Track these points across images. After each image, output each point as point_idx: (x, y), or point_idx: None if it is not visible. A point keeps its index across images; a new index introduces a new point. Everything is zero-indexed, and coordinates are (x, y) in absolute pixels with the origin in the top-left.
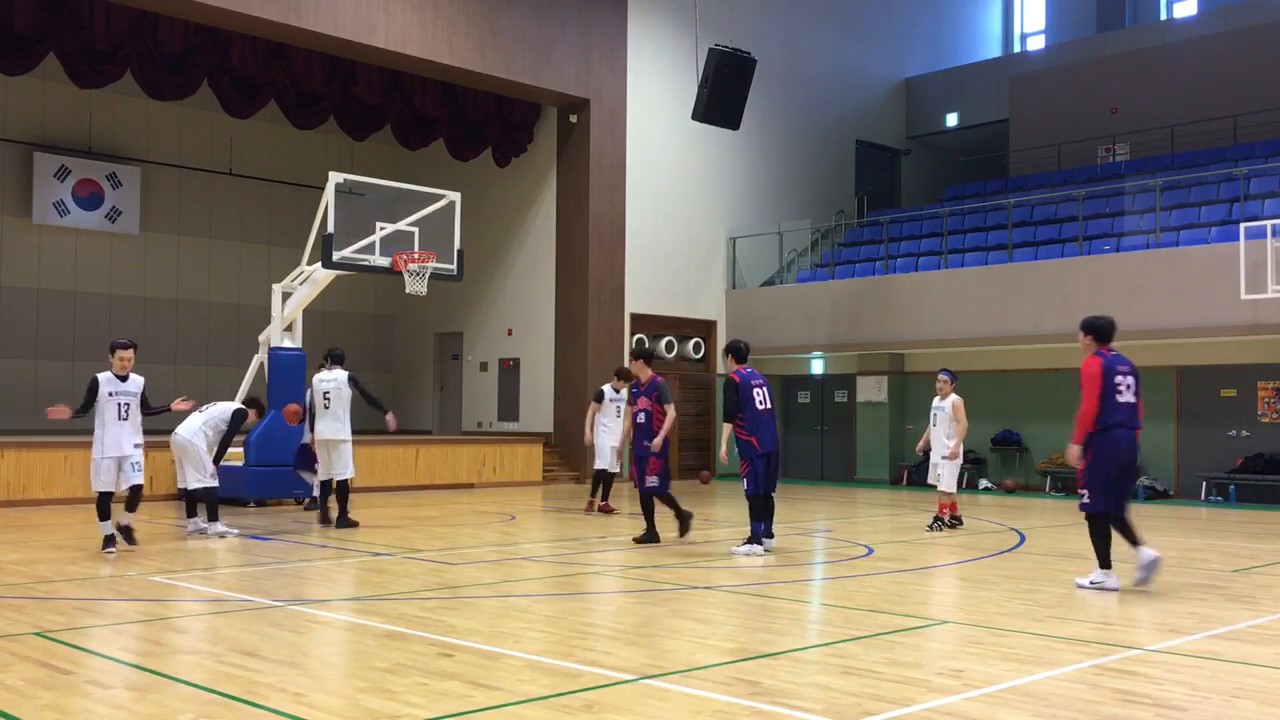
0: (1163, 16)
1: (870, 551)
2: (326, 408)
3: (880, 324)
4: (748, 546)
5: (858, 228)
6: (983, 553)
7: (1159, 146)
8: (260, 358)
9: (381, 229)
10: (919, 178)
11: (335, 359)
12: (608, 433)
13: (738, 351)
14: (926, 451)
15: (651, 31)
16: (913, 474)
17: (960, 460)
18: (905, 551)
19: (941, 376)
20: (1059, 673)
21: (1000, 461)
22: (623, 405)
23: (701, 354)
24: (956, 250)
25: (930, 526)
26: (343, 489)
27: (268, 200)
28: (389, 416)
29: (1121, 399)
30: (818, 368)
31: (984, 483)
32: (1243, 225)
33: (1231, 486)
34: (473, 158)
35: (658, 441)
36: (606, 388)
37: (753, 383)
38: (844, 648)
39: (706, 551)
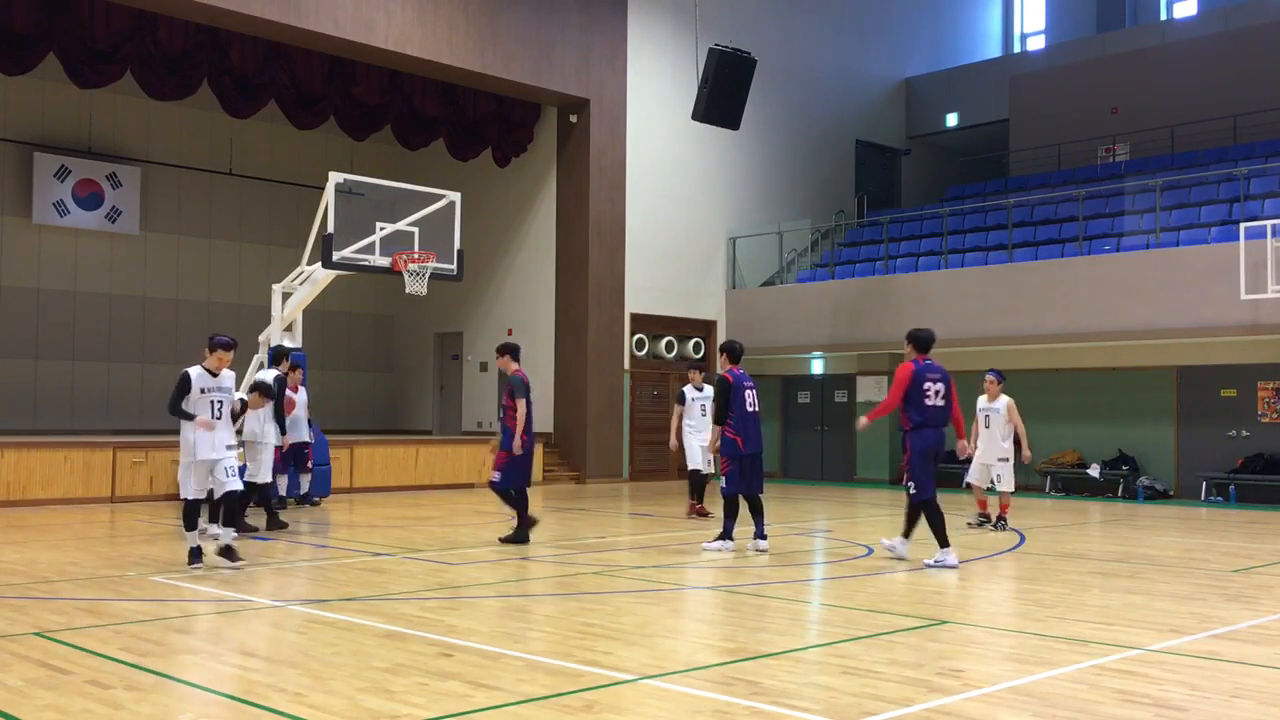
0: (1163, 16)
1: (870, 551)
2: None
3: (880, 324)
4: (719, 543)
5: (858, 228)
6: (983, 553)
7: (1159, 146)
8: (260, 358)
9: (381, 229)
10: (919, 178)
11: (270, 358)
12: (695, 433)
13: (733, 351)
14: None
15: (651, 31)
16: None
17: (1014, 461)
18: (905, 551)
19: (989, 377)
20: (1059, 673)
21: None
22: (707, 403)
23: (701, 354)
24: (956, 250)
25: (996, 526)
26: (248, 491)
27: (268, 200)
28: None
29: (930, 402)
30: (818, 368)
31: None
32: (1243, 225)
33: (1231, 486)
34: (473, 158)
35: (516, 443)
36: (687, 388)
37: (745, 384)
38: (844, 648)
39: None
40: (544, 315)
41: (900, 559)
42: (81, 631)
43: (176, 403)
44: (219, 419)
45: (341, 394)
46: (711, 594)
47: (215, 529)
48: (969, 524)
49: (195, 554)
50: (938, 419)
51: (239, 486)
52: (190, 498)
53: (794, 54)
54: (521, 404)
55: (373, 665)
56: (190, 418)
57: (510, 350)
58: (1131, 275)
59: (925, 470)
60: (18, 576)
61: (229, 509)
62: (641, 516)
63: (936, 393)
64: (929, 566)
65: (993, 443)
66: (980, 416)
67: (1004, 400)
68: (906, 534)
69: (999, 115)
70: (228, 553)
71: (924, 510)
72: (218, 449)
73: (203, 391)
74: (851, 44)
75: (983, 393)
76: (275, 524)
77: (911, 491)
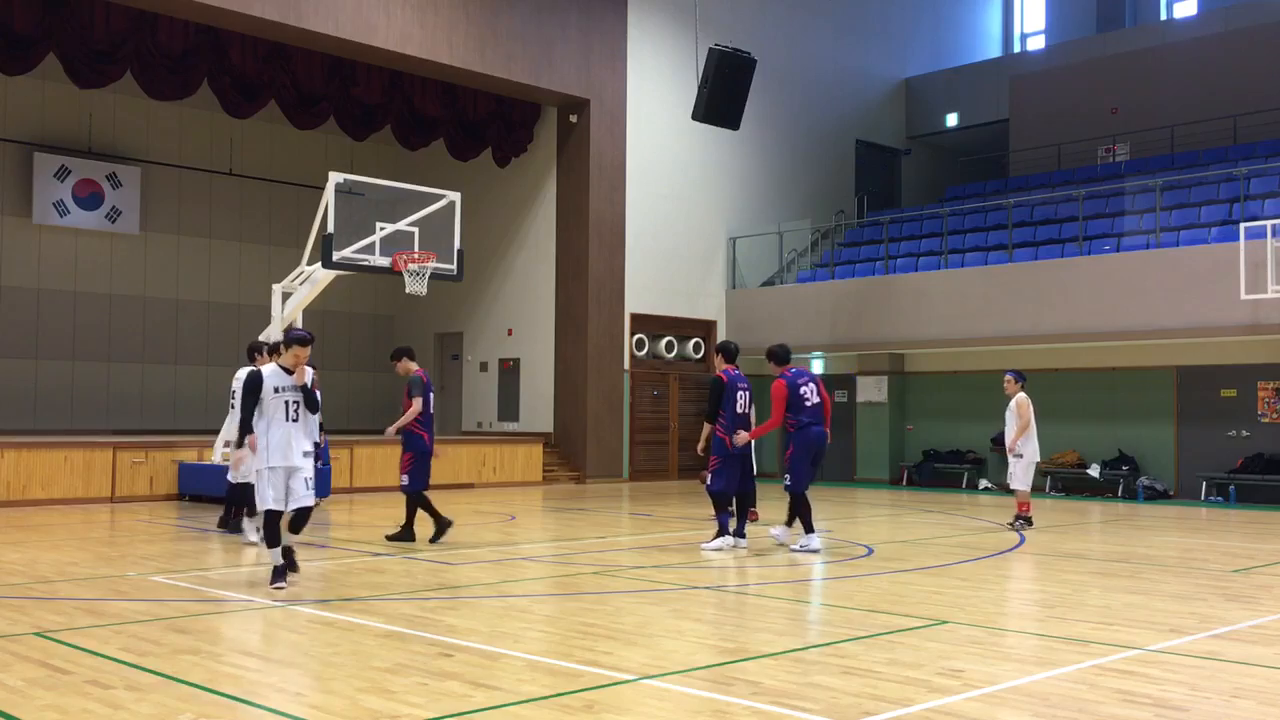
0: (1163, 16)
1: (870, 551)
2: (233, 406)
3: (880, 324)
4: (717, 541)
5: (858, 228)
6: (983, 553)
7: (1159, 146)
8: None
9: (381, 229)
10: (919, 178)
11: (247, 354)
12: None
13: (727, 351)
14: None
15: (651, 31)
16: (913, 474)
17: (1028, 459)
18: (905, 551)
19: (1006, 376)
20: (1059, 673)
21: (1000, 461)
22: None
23: (701, 354)
24: (956, 250)
25: (1012, 524)
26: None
27: (268, 200)
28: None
29: (809, 403)
30: (818, 368)
31: (984, 483)
32: (1243, 225)
33: (1231, 486)
34: (473, 158)
35: (390, 431)
36: None
37: (738, 385)
38: (844, 648)
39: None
40: (544, 315)
41: (814, 550)
42: (81, 631)
43: (250, 407)
44: (294, 421)
45: (341, 394)
46: (711, 594)
47: (256, 536)
48: (1010, 524)
49: (279, 573)
50: (819, 415)
51: (313, 502)
52: (270, 508)
53: (794, 54)
54: (417, 401)
55: (373, 665)
56: (249, 431)
57: (406, 353)
58: (1131, 275)
59: (804, 465)
60: (18, 576)
61: (299, 523)
62: (641, 516)
63: (812, 392)
64: (795, 551)
65: (1009, 440)
66: (1005, 417)
67: (1017, 397)
68: (789, 522)
69: (999, 115)
70: (291, 566)
71: (796, 500)
72: (293, 455)
73: (276, 391)
74: (851, 44)
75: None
76: (230, 525)
77: (787, 483)
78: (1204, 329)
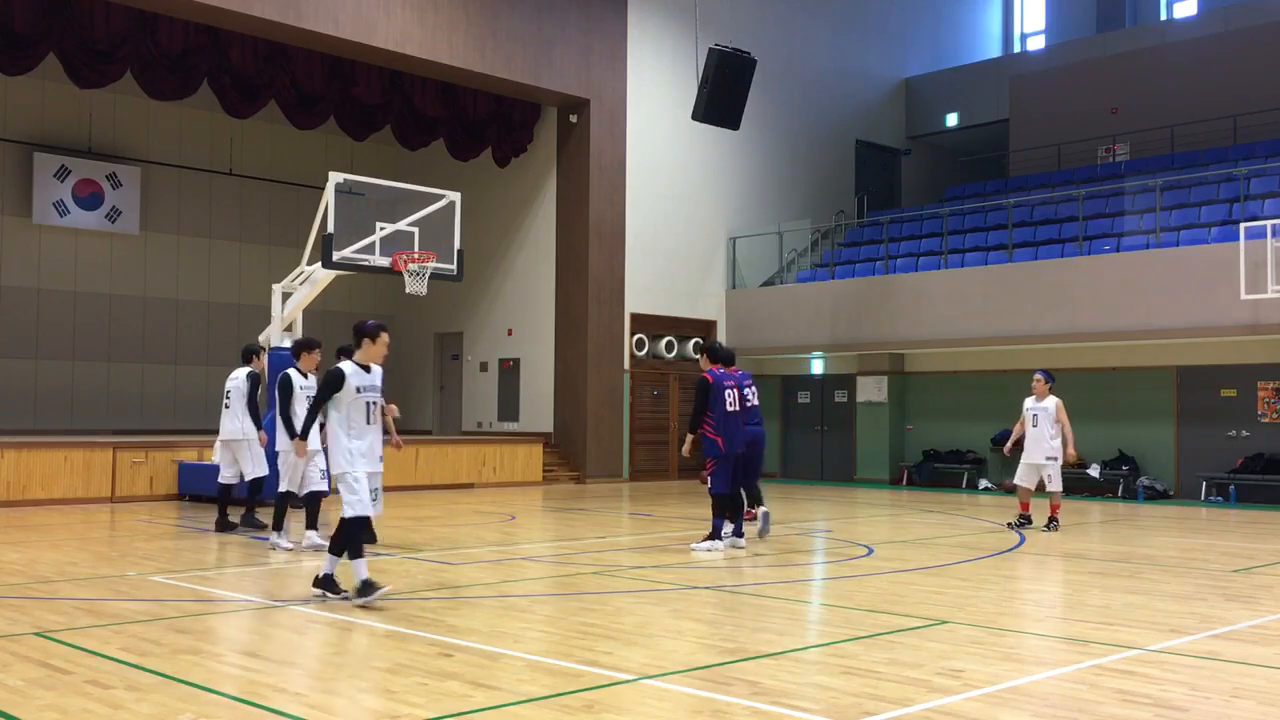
0: (1163, 16)
1: (870, 551)
2: (227, 406)
3: (880, 324)
4: (708, 544)
5: (858, 228)
6: (983, 553)
7: (1159, 146)
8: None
9: (381, 229)
10: (919, 178)
11: (242, 355)
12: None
13: (713, 352)
14: (1015, 452)
15: (651, 31)
16: (913, 474)
17: (1059, 461)
18: (905, 551)
19: (1036, 376)
20: (1059, 673)
21: (1000, 461)
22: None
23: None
24: (956, 250)
25: (1048, 527)
26: (254, 487)
27: (268, 200)
28: (261, 434)
29: (750, 404)
30: (818, 368)
31: (984, 483)
32: (1243, 225)
33: (1231, 486)
34: (473, 158)
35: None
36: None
37: (725, 384)
38: (844, 648)
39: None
40: (544, 315)
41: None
42: (81, 631)
43: (319, 405)
44: (372, 424)
45: None
46: (711, 594)
47: (316, 538)
48: (1009, 524)
49: (369, 585)
50: (757, 416)
51: (380, 512)
52: (359, 514)
53: (794, 54)
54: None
55: (373, 665)
56: (292, 433)
57: (345, 351)
58: (1131, 275)
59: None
60: (18, 576)
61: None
62: (641, 516)
63: (753, 394)
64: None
65: (1040, 442)
66: (1027, 416)
67: (1052, 400)
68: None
69: (999, 115)
70: (328, 583)
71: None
72: (375, 460)
73: (359, 391)
74: (851, 44)
75: (1031, 393)
76: (225, 526)
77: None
78: (1204, 329)
